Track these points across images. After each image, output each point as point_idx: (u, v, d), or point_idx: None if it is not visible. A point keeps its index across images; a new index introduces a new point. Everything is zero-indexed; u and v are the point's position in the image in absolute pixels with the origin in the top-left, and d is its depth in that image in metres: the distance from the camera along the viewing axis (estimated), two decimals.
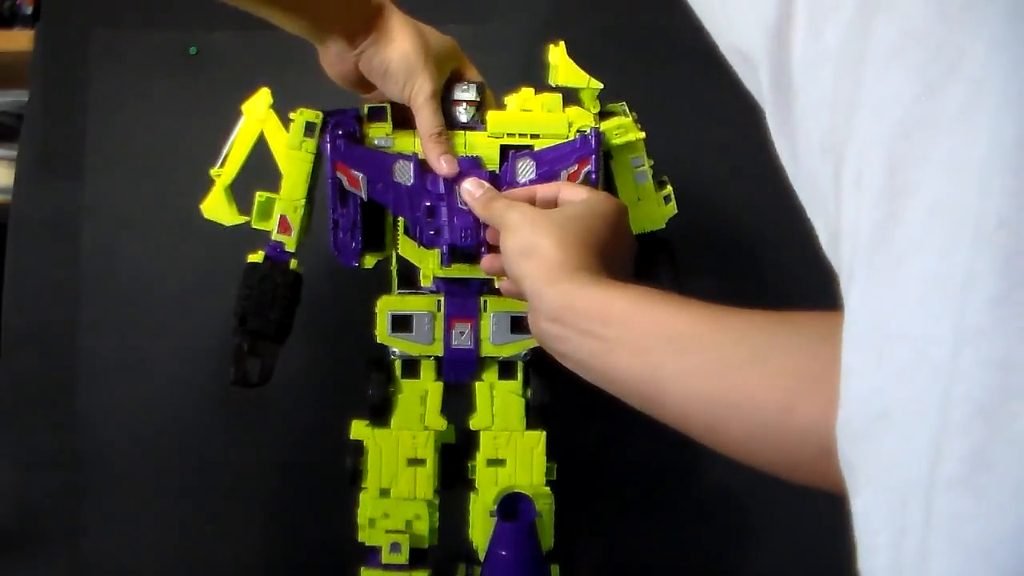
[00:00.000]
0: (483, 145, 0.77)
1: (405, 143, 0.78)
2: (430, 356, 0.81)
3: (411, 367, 0.82)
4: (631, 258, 0.72)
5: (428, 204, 0.76)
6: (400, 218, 0.79)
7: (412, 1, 0.80)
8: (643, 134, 0.80)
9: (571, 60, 0.77)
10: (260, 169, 0.80)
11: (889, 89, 0.36)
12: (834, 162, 0.40)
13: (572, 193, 0.73)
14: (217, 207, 0.79)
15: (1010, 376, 0.32)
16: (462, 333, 0.80)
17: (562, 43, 0.78)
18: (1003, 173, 0.33)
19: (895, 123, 0.36)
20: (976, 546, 0.32)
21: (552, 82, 0.78)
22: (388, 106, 0.78)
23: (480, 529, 0.81)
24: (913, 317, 0.35)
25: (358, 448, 0.81)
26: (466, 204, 0.75)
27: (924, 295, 0.35)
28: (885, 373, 0.36)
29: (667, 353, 0.55)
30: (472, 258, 0.78)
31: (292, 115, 0.78)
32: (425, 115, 0.76)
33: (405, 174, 0.76)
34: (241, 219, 0.80)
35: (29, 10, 1.28)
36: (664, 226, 0.82)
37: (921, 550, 0.33)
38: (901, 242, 0.35)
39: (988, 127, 0.33)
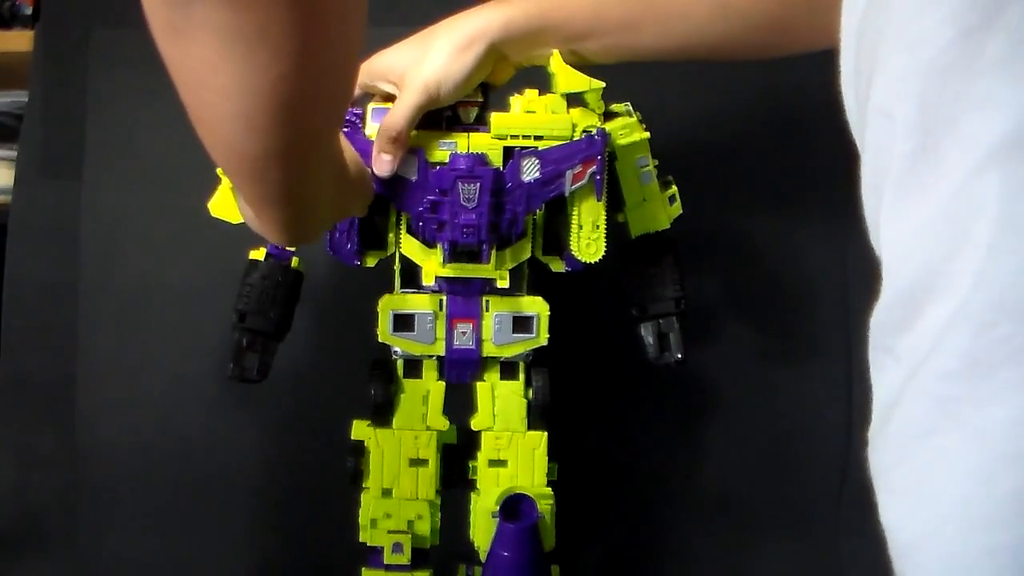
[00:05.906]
0: (486, 147, 0.77)
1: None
2: (432, 356, 0.81)
3: (413, 367, 0.82)
4: None
5: (431, 199, 0.75)
6: (403, 217, 0.79)
7: (412, 4, 0.80)
8: (648, 134, 0.80)
9: (568, 66, 0.76)
10: None
11: (922, 30, 0.40)
12: (859, 90, 0.45)
13: None
14: (225, 205, 0.79)
15: (1003, 293, 0.38)
16: (464, 333, 0.80)
17: (556, 52, 0.77)
18: None
19: (927, 62, 0.40)
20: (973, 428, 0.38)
21: (554, 90, 0.78)
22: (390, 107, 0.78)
23: (482, 529, 0.81)
24: (928, 237, 0.40)
25: (359, 448, 0.81)
26: (469, 202, 0.75)
27: (942, 220, 0.40)
28: (905, 283, 0.42)
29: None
30: (474, 257, 0.77)
31: None
32: (405, 101, 0.74)
33: (410, 168, 0.75)
34: None
35: (29, 10, 1.28)
36: (669, 226, 0.82)
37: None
38: (928, 173, 0.40)
39: None
